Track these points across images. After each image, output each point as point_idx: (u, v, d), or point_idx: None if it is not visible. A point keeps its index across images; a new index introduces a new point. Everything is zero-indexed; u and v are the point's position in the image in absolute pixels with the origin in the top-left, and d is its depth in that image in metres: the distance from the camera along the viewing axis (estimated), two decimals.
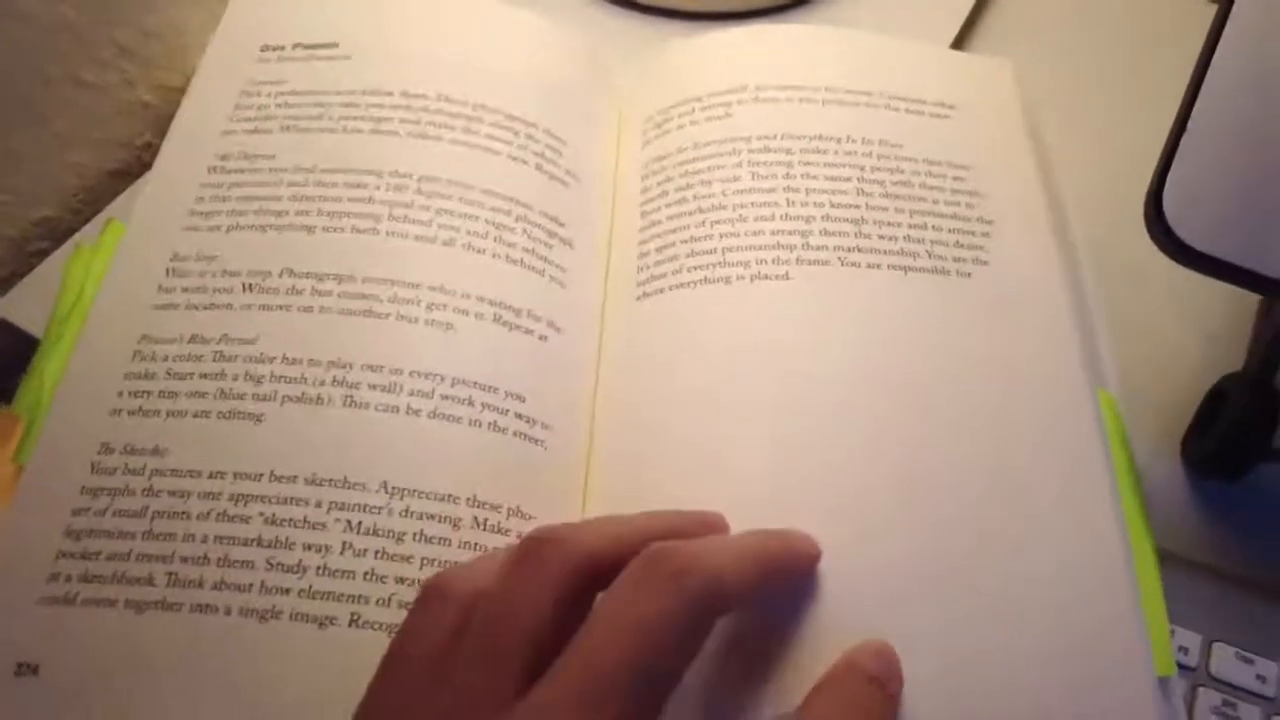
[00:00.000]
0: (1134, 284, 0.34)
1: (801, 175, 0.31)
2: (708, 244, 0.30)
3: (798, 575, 0.24)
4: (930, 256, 0.30)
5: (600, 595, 0.20)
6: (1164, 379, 0.33)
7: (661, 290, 0.29)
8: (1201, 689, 0.26)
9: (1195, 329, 0.34)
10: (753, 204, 0.30)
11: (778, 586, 0.24)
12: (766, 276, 0.29)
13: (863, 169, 0.31)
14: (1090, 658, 0.23)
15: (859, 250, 0.30)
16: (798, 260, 0.29)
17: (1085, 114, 0.40)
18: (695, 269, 0.29)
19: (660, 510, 0.23)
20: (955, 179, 0.32)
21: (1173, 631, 0.26)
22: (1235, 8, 0.24)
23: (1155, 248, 0.25)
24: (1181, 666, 0.26)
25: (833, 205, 0.30)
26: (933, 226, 0.30)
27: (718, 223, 0.30)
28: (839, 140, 0.32)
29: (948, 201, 0.31)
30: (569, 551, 0.20)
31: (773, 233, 0.30)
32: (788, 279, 0.29)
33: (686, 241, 0.30)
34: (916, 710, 0.22)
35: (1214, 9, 0.25)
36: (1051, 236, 0.31)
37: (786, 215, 0.30)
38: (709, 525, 0.24)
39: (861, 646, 0.23)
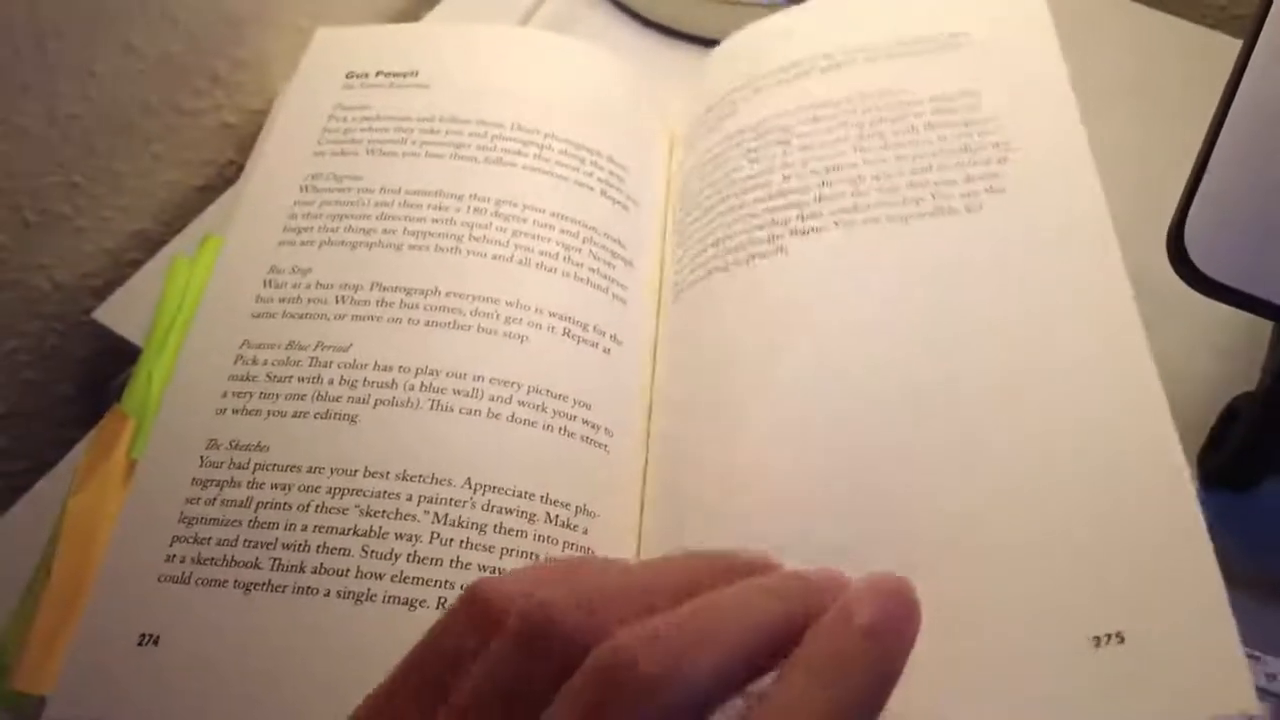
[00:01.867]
0: (1152, 306, 0.36)
1: (799, 148, 0.32)
2: (714, 235, 0.32)
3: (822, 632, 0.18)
4: (934, 199, 0.29)
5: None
6: (1181, 396, 0.35)
7: (690, 285, 0.31)
8: None
9: (1210, 348, 0.36)
10: (750, 188, 0.32)
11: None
12: (764, 255, 0.30)
13: (861, 125, 0.32)
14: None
15: (855, 209, 0.30)
16: (791, 232, 0.30)
17: (1103, 137, 0.42)
18: (703, 264, 0.31)
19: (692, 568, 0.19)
20: (967, 109, 0.31)
21: None
22: (1258, 47, 0.26)
23: (1171, 275, 0.26)
24: None
25: (828, 170, 0.31)
26: (938, 167, 0.30)
27: (722, 212, 0.32)
28: (835, 104, 0.32)
29: (956, 135, 0.31)
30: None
31: (766, 210, 0.31)
32: (785, 253, 0.30)
33: (701, 239, 0.32)
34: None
35: (1233, 42, 0.27)
36: (1089, 150, 0.30)
37: (781, 191, 0.31)
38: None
39: (863, 588, 0.18)
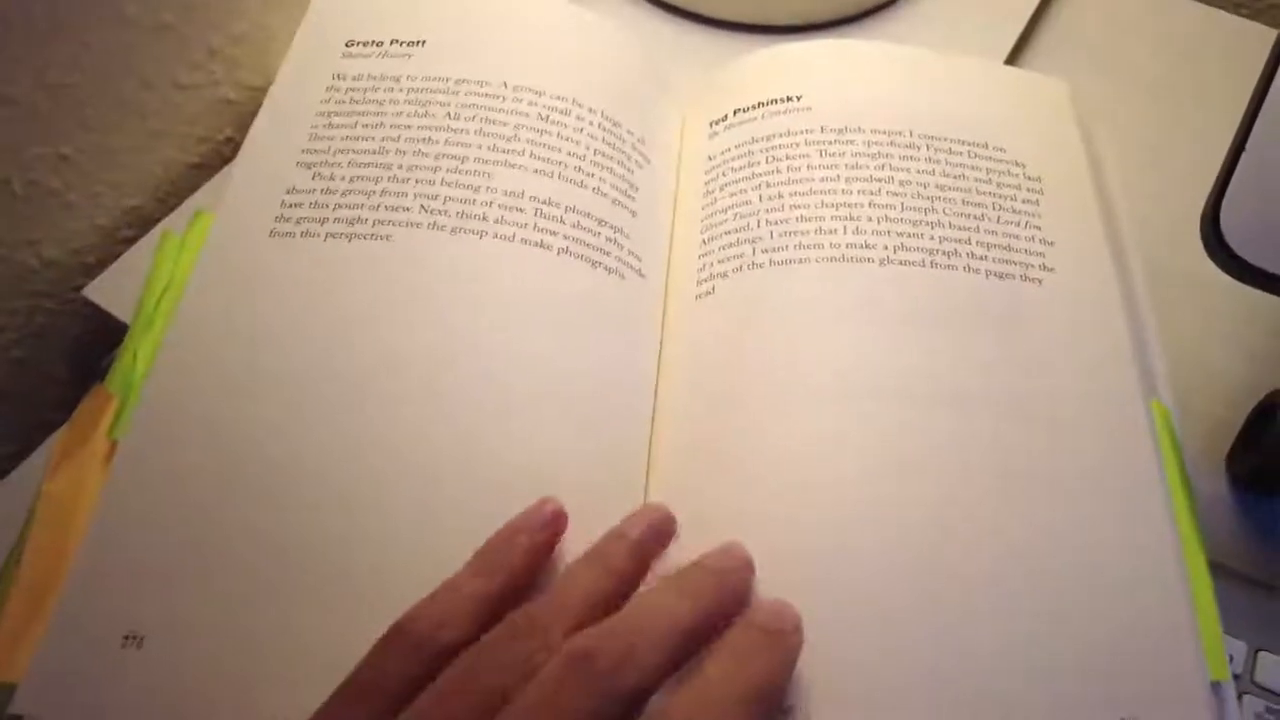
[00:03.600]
0: (1183, 303, 0.35)
1: (874, 169, 0.33)
2: (774, 228, 0.31)
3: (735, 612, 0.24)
4: (993, 261, 0.31)
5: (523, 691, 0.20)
6: (1210, 396, 0.34)
7: (725, 275, 0.31)
8: (1246, 696, 0.27)
9: (1241, 348, 0.35)
10: (815, 195, 0.32)
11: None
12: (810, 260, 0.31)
13: (929, 174, 0.33)
14: (1147, 662, 0.24)
15: (915, 249, 0.31)
16: (878, 257, 0.31)
17: (1140, 130, 0.40)
18: (753, 255, 0.31)
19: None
20: (1020, 194, 0.33)
21: None
22: None
23: (1203, 265, 0.25)
24: None
25: (903, 206, 0.32)
26: (1000, 232, 0.31)
27: (776, 210, 0.32)
28: (899, 146, 0.33)
29: (1013, 210, 0.32)
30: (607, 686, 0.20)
31: (833, 218, 0.31)
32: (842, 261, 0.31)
33: (736, 231, 0.32)
34: (971, 701, 0.23)
35: (1269, 31, 0.26)
36: (1109, 254, 0.32)
37: (847, 207, 0.32)
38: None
39: (755, 606, 0.23)
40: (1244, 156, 0.24)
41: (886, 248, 0.31)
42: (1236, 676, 0.27)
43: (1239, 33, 0.44)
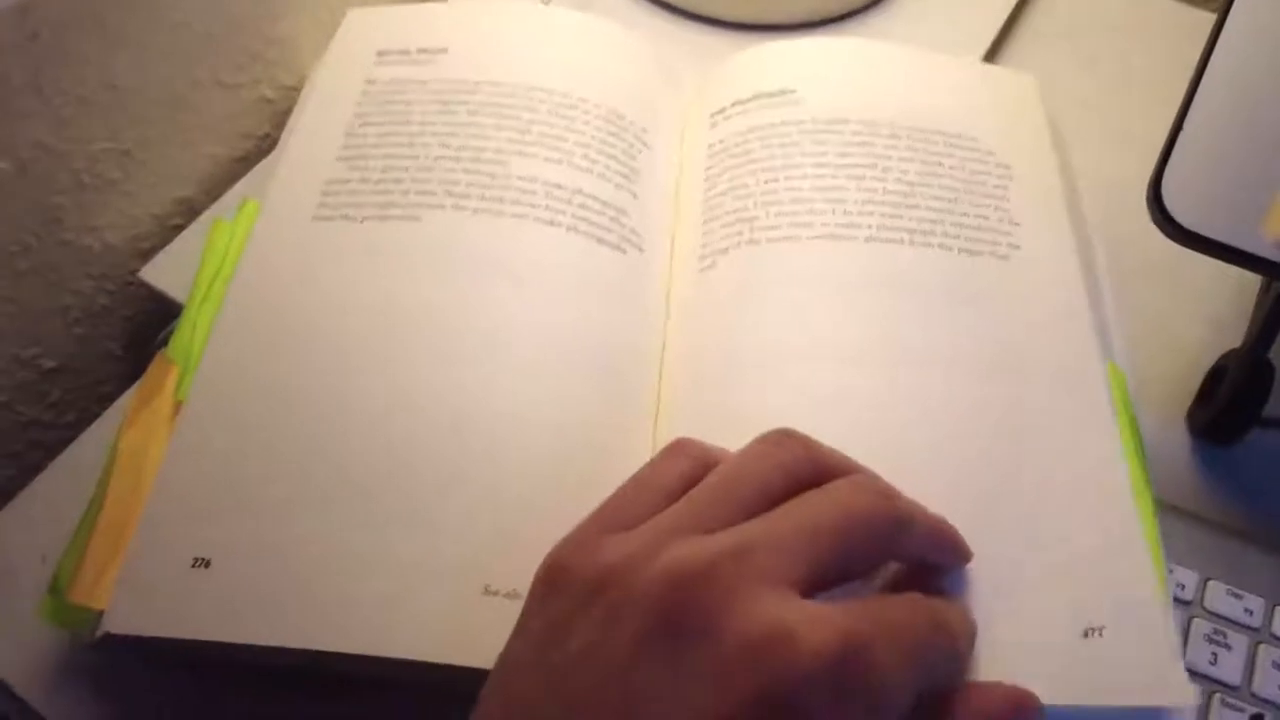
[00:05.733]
0: (1149, 278, 0.38)
1: (860, 156, 0.36)
2: (770, 209, 0.34)
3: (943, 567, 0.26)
4: (966, 240, 0.34)
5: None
6: (1173, 360, 0.37)
7: (724, 251, 0.34)
8: (1196, 619, 0.30)
9: (1202, 316, 0.38)
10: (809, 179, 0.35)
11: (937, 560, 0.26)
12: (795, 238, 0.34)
13: (909, 161, 0.36)
14: (1106, 577, 0.26)
15: (896, 229, 0.34)
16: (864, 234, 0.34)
17: (1107, 115, 0.43)
18: (750, 233, 0.34)
19: None
20: (990, 180, 0.36)
21: (1171, 570, 0.29)
22: (1229, 20, 0.28)
23: (1165, 241, 0.28)
24: (1179, 600, 0.30)
25: (885, 190, 0.35)
26: (971, 214, 0.34)
27: (768, 192, 0.35)
28: (882, 136, 0.36)
29: (984, 194, 0.35)
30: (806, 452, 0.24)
31: (825, 201, 0.34)
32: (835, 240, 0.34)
33: (735, 211, 0.35)
34: None
35: (1209, 17, 0.29)
36: (1071, 233, 0.35)
37: (835, 190, 0.35)
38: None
39: (993, 696, 0.23)
40: (1183, 131, 0.27)
41: (870, 227, 0.34)
42: (1188, 603, 0.30)
43: (1200, 23, 0.47)
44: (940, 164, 0.36)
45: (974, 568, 0.26)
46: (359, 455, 0.29)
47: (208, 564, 0.27)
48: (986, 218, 0.34)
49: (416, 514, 0.28)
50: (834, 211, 0.34)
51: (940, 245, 0.33)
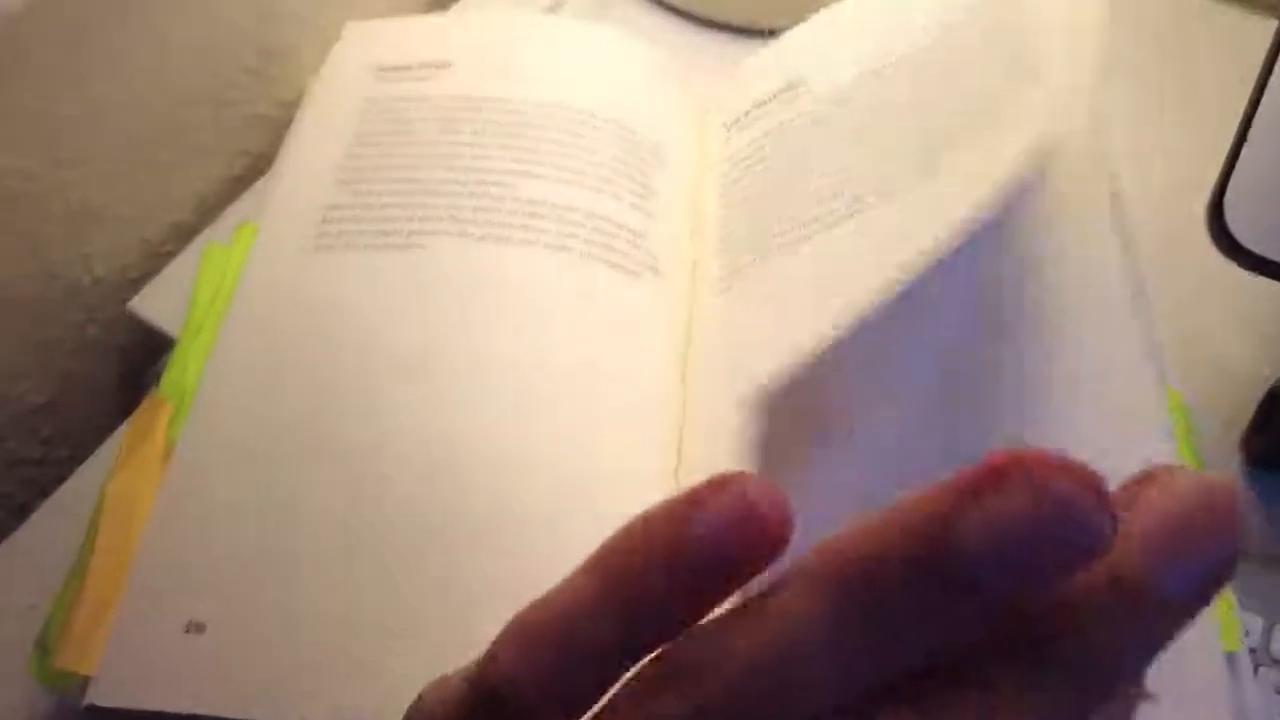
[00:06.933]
0: (1195, 294, 0.36)
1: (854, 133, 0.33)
2: (778, 216, 0.32)
3: None
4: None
5: None
6: (1225, 382, 0.35)
7: (740, 270, 0.32)
8: (1263, 669, 0.28)
9: (1255, 335, 0.36)
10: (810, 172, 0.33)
11: None
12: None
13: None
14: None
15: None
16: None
17: (1147, 124, 0.41)
18: (763, 242, 0.32)
19: None
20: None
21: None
22: None
23: (1213, 258, 0.26)
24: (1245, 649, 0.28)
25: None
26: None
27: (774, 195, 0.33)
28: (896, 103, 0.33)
29: None
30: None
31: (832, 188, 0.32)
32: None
33: (750, 224, 0.33)
34: None
35: (1269, 23, 0.27)
36: (1117, 245, 0.32)
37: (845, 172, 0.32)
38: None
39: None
40: (1245, 148, 0.25)
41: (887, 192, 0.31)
42: (1254, 650, 0.28)
43: (1236, 25, 0.45)
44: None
45: None
46: (364, 508, 0.27)
47: (202, 629, 0.25)
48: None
49: (429, 575, 0.26)
50: (845, 195, 0.31)
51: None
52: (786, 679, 0.13)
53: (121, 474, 0.29)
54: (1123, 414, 0.28)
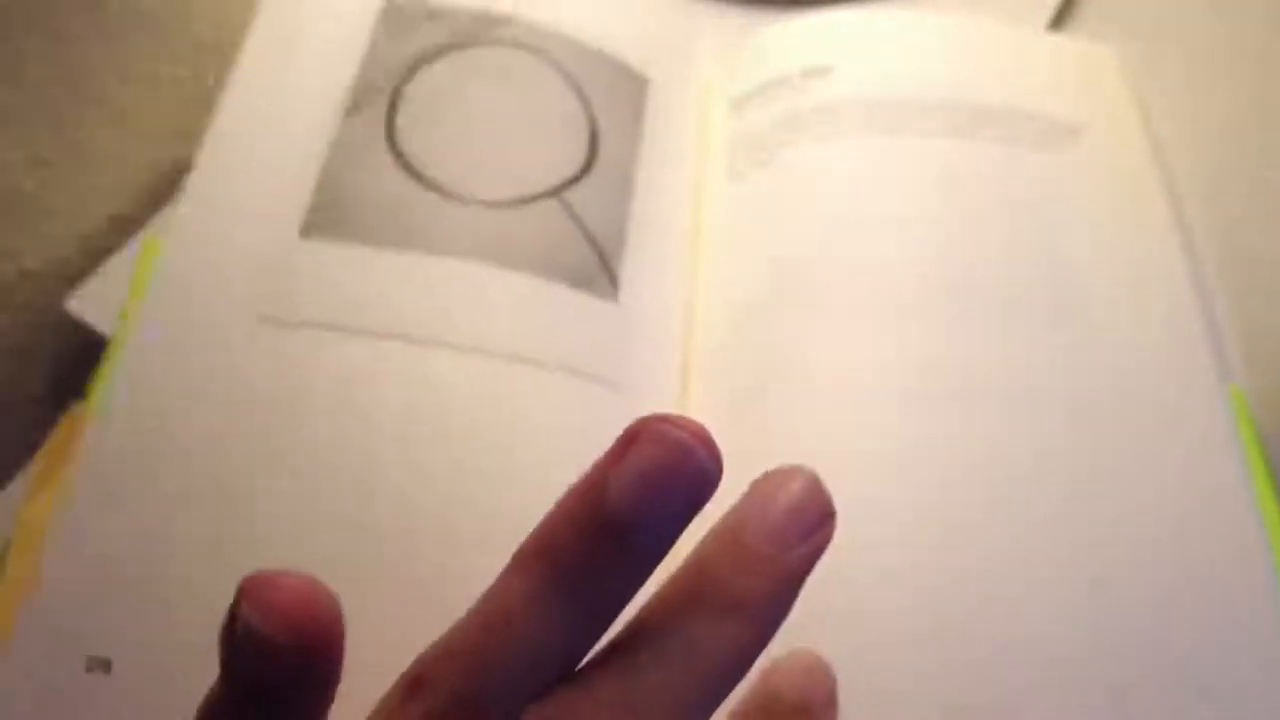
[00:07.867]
0: (1265, 284, 0.33)
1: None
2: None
3: None
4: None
5: None
6: None
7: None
8: None
9: None
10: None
11: None
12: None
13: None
14: (1234, 652, 0.22)
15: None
16: None
17: (1203, 102, 0.37)
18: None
19: None
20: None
21: None
22: None
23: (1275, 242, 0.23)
24: None
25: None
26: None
27: None
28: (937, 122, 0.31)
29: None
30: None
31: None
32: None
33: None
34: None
35: None
36: (1178, 236, 0.30)
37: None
38: None
39: (785, 665, 0.20)
40: None
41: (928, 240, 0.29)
42: None
43: None
44: (1011, 154, 0.30)
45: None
46: (278, 534, 0.24)
47: (108, 667, 0.22)
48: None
49: (350, 605, 0.22)
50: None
51: (1011, 259, 0.28)
52: (505, 652, 0.15)
53: (37, 498, 0.26)
54: (1175, 412, 0.26)
